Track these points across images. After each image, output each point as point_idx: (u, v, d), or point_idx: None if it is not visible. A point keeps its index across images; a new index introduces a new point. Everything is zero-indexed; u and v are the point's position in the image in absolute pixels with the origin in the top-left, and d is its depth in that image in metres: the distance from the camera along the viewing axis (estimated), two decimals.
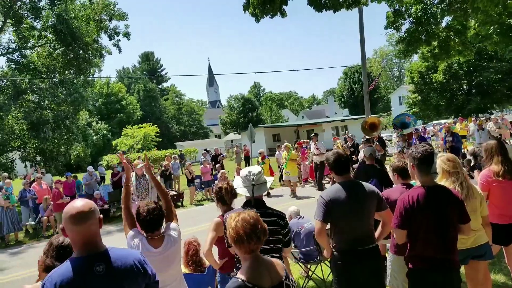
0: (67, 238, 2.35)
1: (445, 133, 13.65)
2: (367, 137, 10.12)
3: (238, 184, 3.04)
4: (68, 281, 1.76)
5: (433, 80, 31.99)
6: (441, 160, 3.32)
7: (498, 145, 3.66)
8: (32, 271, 6.93)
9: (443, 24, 11.39)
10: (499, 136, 13.36)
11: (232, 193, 3.34)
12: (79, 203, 1.90)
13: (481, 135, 13.93)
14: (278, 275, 1.99)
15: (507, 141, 14.80)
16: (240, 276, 1.92)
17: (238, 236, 1.92)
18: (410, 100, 35.35)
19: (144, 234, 2.80)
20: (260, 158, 13.67)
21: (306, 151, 13.79)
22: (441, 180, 3.25)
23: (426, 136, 16.95)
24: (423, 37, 11.12)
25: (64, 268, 1.81)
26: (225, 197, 3.33)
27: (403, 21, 11.27)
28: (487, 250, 3.33)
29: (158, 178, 13.51)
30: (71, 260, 1.83)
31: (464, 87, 32.27)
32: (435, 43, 11.54)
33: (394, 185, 4.16)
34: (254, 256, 1.97)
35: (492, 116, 20.58)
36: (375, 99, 56.44)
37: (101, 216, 1.95)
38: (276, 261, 2.07)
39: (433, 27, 10.94)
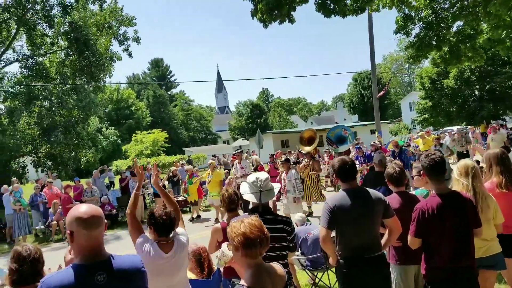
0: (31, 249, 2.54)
1: (391, 149, 11.25)
2: (303, 151, 9.31)
3: (245, 190, 2.99)
4: None
5: (444, 86, 31.57)
6: (455, 168, 3.29)
7: (496, 155, 3.57)
8: None
9: (454, 28, 11.25)
10: (464, 152, 12.27)
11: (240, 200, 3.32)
12: (90, 208, 1.87)
13: (441, 151, 11.75)
14: (281, 280, 1.98)
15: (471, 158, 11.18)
16: (244, 283, 1.91)
17: (249, 240, 1.89)
18: (421, 106, 34.96)
19: (153, 240, 2.78)
20: (187, 176, 11.65)
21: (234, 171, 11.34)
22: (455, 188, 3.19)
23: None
24: (433, 42, 10.96)
25: (64, 274, 1.79)
26: (237, 203, 3.29)
27: (413, 26, 11.13)
28: (499, 260, 3.25)
29: (166, 183, 13.74)
30: (73, 266, 1.81)
31: (476, 93, 31.76)
32: (446, 48, 11.37)
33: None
34: (258, 262, 1.95)
35: (449, 130, 18.66)
36: (385, 105, 55.99)
37: (106, 221, 1.94)
38: (276, 265, 2.05)
39: (443, 31, 10.80)
